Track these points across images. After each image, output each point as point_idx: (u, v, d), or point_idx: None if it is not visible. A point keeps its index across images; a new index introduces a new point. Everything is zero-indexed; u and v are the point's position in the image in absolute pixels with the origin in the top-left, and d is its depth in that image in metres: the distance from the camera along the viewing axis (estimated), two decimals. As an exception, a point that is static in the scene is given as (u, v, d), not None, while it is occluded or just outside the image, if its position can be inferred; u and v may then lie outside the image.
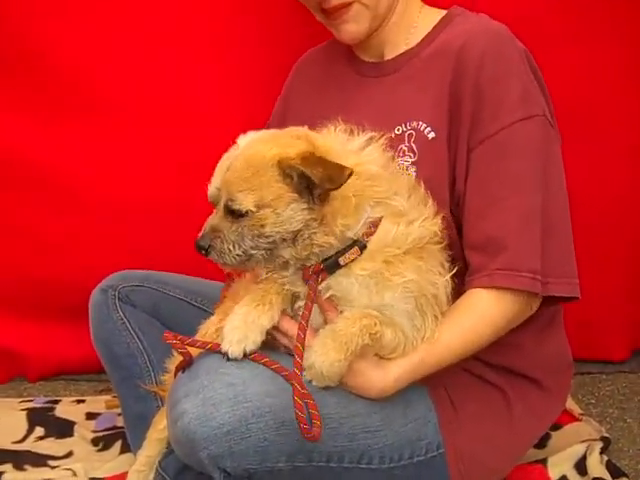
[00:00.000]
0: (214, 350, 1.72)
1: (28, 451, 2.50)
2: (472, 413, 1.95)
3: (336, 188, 1.63)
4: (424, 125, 1.95)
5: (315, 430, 1.61)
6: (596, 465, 2.18)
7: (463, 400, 1.95)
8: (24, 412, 2.76)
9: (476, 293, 1.84)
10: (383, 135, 1.82)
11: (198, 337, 1.95)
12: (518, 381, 2.01)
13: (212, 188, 1.73)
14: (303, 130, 1.80)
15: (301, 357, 1.65)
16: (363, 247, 1.72)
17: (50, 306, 3.03)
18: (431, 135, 1.94)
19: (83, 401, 2.88)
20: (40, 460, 2.44)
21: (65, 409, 2.80)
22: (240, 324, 1.69)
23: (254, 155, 1.67)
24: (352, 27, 2.03)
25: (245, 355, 1.68)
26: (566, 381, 2.14)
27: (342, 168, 1.63)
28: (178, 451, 1.74)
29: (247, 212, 1.66)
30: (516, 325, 1.89)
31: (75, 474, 2.32)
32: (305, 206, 1.67)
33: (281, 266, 1.76)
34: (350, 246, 1.71)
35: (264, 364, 1.69)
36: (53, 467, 2.40)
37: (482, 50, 1.87)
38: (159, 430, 2.06)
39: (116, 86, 2.85)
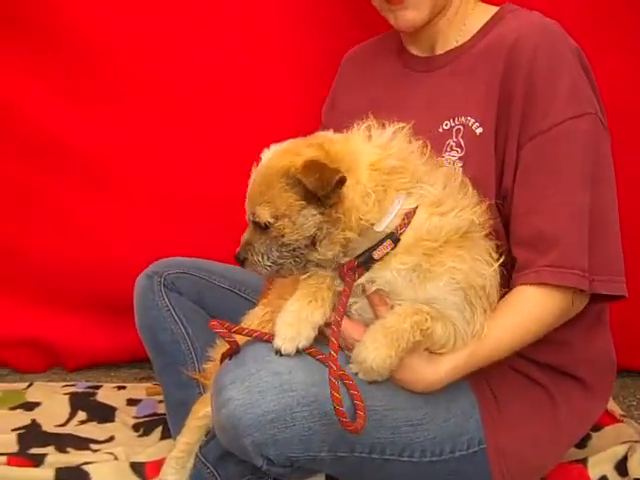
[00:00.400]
0: (262, 339, 1.74)
1: (70, 434, 2.54)
2: (516, 411, 1.94)
3: (328, 194, 1.66)
4: (472, 120, 1.94)
5: (359, 422, 1.63)
6: (637, 466, 2.15)
7: (507, 397, 1.95)
8: (66, 396, 2.80)
9: (523, 290, 1.83)
10: (408, 126, 1.81)
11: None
12: (563, 380, 1.99)
13: (246, 201, 1.78)
14: (323, 135, 1.82)
15: (336, 352, 1.66)
16: (397, 240, 1.72)
17: (87, 295, 3.04)
18: (479, 130, 1.93)
19: (124, 387, 2.93)
20: (82, 443, 2.47)
21: (106, 394, 2.84)
22: (293, 321, 1.70)
23: (268, 168, 1.74)
24: (411, 14, 2.02)
25: (298, 351, 1.69)
26: (610, 381, 2.12)
27: (333, 174, 1.65)
28: (221, 437, 1.76)
29: (267, 224, 1.72)
30: (563, 322, 1.88)
31: (116, 458, 2.35)
32: (315, 211, 1.69)
33: (318, 268, 1.77)
34: (382, 240, 1.72)
35: (310, 354, 1.71)
36: (95, 450, 2.43)
37: (535, 46, 1.86)
38: (198, 417, 2.08)
39: (158, 67, 2.85)
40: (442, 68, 2.07)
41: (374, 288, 1.75)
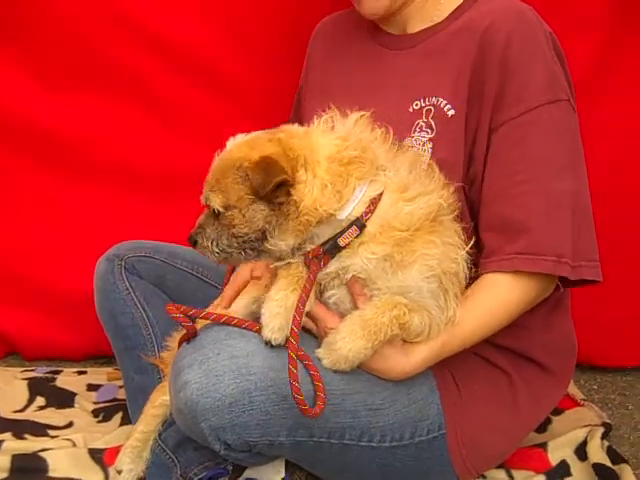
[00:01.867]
0: (220, 322, 1.73)
1: (28, 420, 2.50)
2: (476, 395, 1.94)
3: (269, 193, 1.67)
4: (444, 102, 1.93)
5: (318, 406, 1.63)
6: (597, 451, 2.17)
7: (468, 382, 1.95)
8: (25, 381, 2.76)
9: (495, 277, 1.83)
10: (369, 112, 1.81)
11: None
12: (523, 364, 2.00)
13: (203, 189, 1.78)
14: (285, 129, 1.81)
15: (297, 340, 1.66)
16: (362, 226, 1.71)
17: (49, 285, 2.97)
18: (451, 112, 1.92)
19: (84, 372, 2.89)
20: (40, 430, 2.44)
21: (66, 380, 2.80)
22: (280, 310, 1.68)
23: (227, 158, 1.75)
24: (373, 2, 2.00)
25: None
26: (570, 365, 2.14)
27: (276, 175, 1.66)
28: (179, 421, 1.73)
29: (218, 211, 1.72)
30: (530, 307, 1.89)
31: (75, 444, 2.33)
32: (264, 206, 1.70)
33: (272, 259, 1.77)
34: (348, 227, 1.71)
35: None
36: (53, 437, 2.40)
37: (509, 30, 1.85)
38: (156, 406, 2.05)
39: (133, 53, 2.80)
40: (414, 47, 2.05)
41: (349, 275, 1.74)
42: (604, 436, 2.25)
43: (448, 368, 1.93)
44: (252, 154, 1.69)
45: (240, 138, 1.79)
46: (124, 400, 2.42)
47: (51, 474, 2.18)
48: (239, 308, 1.95)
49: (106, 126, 2.86)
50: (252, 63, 2.80)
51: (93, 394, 2.70)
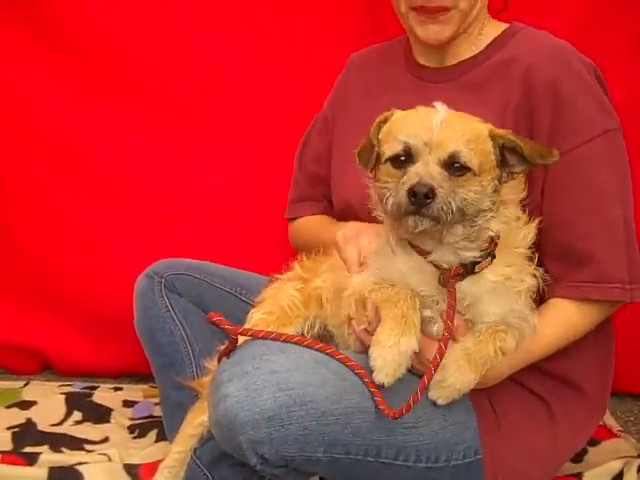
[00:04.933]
0: (265, 337, 1.75)
1: (65, 434, 2.53)
2: (514, 422, 1.94)
3: (544, 164, 1.70)
4: None
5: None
6: (633, 482, 2.15)
7: (505, 408, 1.95)
8: (63, 396, 2.80)
9: (562, 302, 1.89)
10: None
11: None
12: (562, 391, 2.00)
13: (417, 139, 1.66)
14: None
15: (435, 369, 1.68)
16: (493, 257, 1.74)
17: (85, 301, 3.01)
18: None
19: (121, 389, 2.92)
20: (77, 444, 2.47)
21: (103, 395, 2.83)
22: (394, 357, 1.66)
23: (467, 122, 1.70)
24: (440, 28, 2.01)
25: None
26: (607, 390, 2.12)
27: (550, 147, 1.70)
28: (217, 434, 1.74)
29: (468, 172, 1.65)
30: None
31: (110, 459, 2.34)
32: (494, 187, 1.69)
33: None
34: (487, 255, 1.73)
35: (329, 354, 1.74)
36: (89, 451, 2.43)
37: (555, 69, 1.90)
38: (193, 426, 2.07)
39: (158, 65, 2.86)
40: (453, 80, 2.08)
41: (467, 303, 1.75)
42: (640, 469, 2.23)
43: (485, 394, 1.92)
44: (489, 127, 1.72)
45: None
46: (159, 417, 2.45)
47: (87, 487, 2.21)
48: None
49: (142, 144, 2.92)
50: (281, 81, 2.85)
51: (129, 410, 2.73)
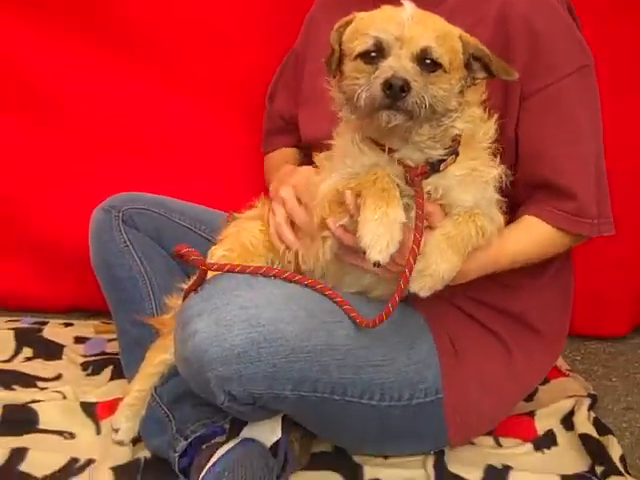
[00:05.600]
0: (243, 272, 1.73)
1: (16, 371, 2.48)
2: (473, 360, 1.97)
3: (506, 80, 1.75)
4: None
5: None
6: (583, 421, 2.20)
7: (465, 347, 1.97)
8: (11, 332, 2.73)
9: (534, 220, 1.90)
10: None
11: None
12: (519, 329, 2.03)
13: (387, 33, 1.64)
14: None
15: (410, 271, 1.65)
16: (457, 154, 1.74)
17: (37, 238, 2.94)
18: None
19: (71, 324, 2.86)
20: (29, 381, 2.42)
21: (53, 331, 2.77)
22: (384, 229, 1.63)
23: (437, 19, 1.70)
24: None
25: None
26: (563, 331, 2.17)
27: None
28: (184, 371, 1.72)
29: (439, 68, 1.64)
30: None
31: (65, 397, 2.30)
32: (461, 88, 1.71)
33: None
34: (451, 152, 1.73)
35: (297, 281, 1.73)
36: (42, 388, 2.38)
37: (528, 2, 1.88)
38: (154, 365, 2.02)
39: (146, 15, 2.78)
40: (428, 5, 2.01)
41: (440, 195, 1.74)
42: (590, 407, 2.29)
43: (447, 332, 1.96)
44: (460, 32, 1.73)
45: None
46: (113, 354, 2.41)
47: (41, 426, 2.17)
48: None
49: (103, 79, 2.82)
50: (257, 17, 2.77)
51: (81, 347, 2.68)
